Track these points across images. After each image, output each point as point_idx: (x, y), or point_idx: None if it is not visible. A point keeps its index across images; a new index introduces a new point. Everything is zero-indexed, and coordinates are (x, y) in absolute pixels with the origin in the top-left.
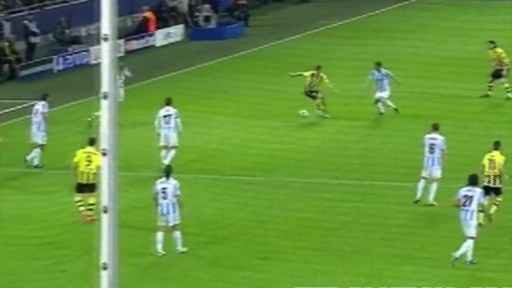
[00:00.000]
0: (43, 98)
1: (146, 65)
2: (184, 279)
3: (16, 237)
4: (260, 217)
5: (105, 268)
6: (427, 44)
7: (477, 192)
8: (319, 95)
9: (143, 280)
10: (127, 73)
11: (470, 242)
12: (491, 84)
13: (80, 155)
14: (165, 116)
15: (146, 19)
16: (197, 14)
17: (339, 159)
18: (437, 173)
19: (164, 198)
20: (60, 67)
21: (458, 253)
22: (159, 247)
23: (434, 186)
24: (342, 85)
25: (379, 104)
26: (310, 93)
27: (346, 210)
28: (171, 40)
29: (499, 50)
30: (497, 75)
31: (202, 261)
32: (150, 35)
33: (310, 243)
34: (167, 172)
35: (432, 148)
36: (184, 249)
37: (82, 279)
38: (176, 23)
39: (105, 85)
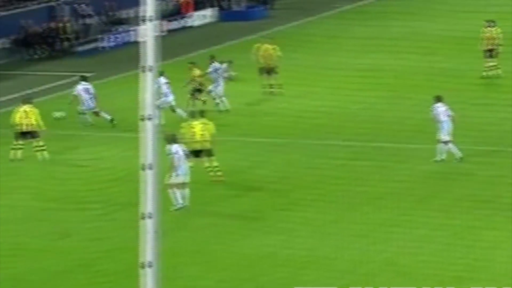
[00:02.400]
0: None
1: (184, 43)
2: (213, 227)
3: (68, 190)
4: (281, 173)
5: (150, 217)
6: (423, 24)
7: None
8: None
9: (176, 228)
10: (232, 73)
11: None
12: (490, 64)
13: (197, 126)
14: None
15: (184, 3)
16: None
17: (349, 123)
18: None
19: (183, 159)
20: (111, 44)
21: None
22: (181, 200)
23: (453, 145)
24: (353, 60)
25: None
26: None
27: (355, 168)
28: (206, 21)
29: (499, 29)
30: (490, 54)
31: (230, 212)
32: (188, 16)
33: (324, 196)
34: (174, 138)
35: (449, 115)
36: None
37: (128, 227)
38: (211, 6)
39: (149, 59)
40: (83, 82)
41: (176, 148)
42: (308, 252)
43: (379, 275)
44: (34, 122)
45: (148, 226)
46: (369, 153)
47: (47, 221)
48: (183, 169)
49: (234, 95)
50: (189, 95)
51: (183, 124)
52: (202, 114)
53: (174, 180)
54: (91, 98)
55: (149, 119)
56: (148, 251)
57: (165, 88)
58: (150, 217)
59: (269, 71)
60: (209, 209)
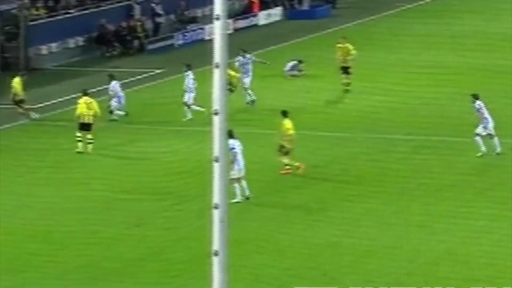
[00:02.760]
0: None
1: (251, 41)
2: (279, 217)
3: (141, 181)
4: (345, 166)
5: (216, 208)
6: (485, 23)
7: None
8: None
9: (243, 218)
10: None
11: None
12: None
13: (288, 124)
14: None
15: (251, 2)
16: None
17: (410, 118)
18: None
19: (239, 155)
20: (180, 42)
21: None
22: (240, 196)
23: (496, 140)
24: (412, 57)
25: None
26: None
27: (416, 161)
28: (271, 19)
29: None
30: None
31: (295, 203)
32: (254, 15)
33: (386, 188)
34: (231, 133)
35: (488, 111)
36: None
37: (196, 217)
38: (276, 6)
39: (217, 56)
40: (114, 81)
41: (232, 143)
42: (371, 241)
43: (439, 264)
44: (93, 114)
45: (215, 217)
46: (429, 146)
47: (120, 210)
48: (239, 164)
49: (299, 91)
50: None
51: (278, 122)
52: (285, 114)
53: (230, 175)
54: (121, 96)
55: (216, 113)
56: (214, 240)
57: (190, 84)
58: (216, 208)
59: (345, 69)
60: (275, 200)
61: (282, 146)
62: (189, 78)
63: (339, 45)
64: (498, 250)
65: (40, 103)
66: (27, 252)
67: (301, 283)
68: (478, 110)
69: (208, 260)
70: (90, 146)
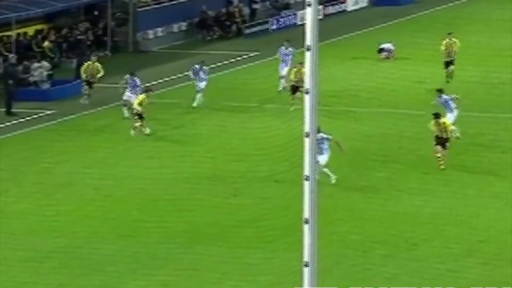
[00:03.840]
0: None
1: (340, 26)
2: (364, 188)
3: (240, 154)
4: (425, 141)
5: (307, 179)
6: None
7: None
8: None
9: (335, 190)
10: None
11: None
12: None
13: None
14: None
15: None
16: None
17: (486, 96)
18: None
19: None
20: (274, 27)
21: None
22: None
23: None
24: (489, 40)
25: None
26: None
27: (491, 137)
28: (359, 6)
29: None
30: None
31: (380, 175)
32: (343, 2)
33: (463, 162)
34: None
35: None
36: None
37: (289, 187)
38: None
39: (308, 40)
40: (135, 77)
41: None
42: (449, 211)
43: None
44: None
45: (305, 187)
46: (505, 123)
47: (219, 181)
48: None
49: (386, 71)
50: (289, 93)
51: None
52: (437, 115)
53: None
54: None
55: (307, 93)
56: (305, 209)
57: (201, 74)
58: (307, 179)
59: (448, 64)
60: (361, 173)
61: (442, 138)
62: (204, 69)
63: (447, 39)
64: None
65: (147, 82)
66: (133, 219)
67: (385, 249)
68: (445, 103)
69: (300, 227)
70: (132, 131)
